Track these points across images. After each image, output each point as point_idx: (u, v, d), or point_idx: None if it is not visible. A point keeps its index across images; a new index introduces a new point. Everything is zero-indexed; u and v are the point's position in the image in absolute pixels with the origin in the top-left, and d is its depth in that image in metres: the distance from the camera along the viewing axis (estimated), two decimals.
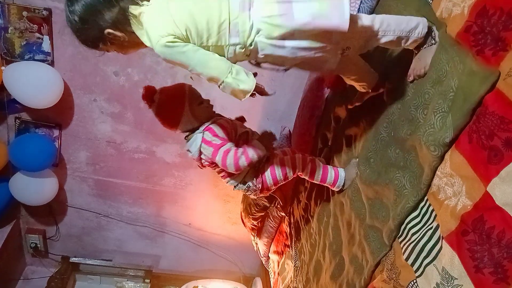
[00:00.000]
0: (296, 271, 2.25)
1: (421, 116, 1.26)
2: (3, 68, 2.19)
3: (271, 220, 2.67)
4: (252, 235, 2.90)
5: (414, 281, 1.17)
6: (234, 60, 1.24)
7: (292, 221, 2.42)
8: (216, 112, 1.65)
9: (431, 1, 1.37)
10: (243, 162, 1.48)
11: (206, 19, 1.15)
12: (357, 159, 1.66)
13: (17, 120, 2.51)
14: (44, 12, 2.14)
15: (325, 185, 1.74)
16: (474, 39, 1.11)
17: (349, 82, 1.52)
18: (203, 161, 1.57)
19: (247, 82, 1.20)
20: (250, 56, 1.25)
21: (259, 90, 1.32)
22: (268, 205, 2.55)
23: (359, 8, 1.70)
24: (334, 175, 1.70)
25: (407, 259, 1.22)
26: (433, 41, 1.28)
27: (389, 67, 1.50)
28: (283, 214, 2.53)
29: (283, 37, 1.16)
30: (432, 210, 1.18)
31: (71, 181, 2.85)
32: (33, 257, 3.17)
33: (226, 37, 1.17)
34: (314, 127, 2.22)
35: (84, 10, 1.14)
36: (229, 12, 1.16)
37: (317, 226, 2.00)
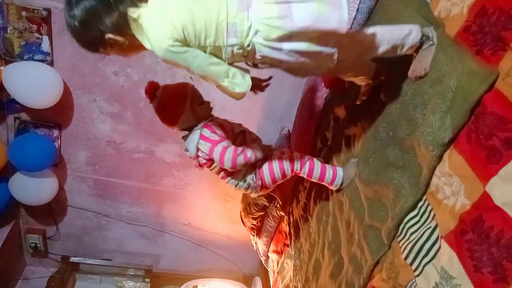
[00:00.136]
0: (296, 270, 2.25)
1: (420, 116, 1.26)
2: (2, 68, 2.18)
3: (270, 219, 2.67)
4: (252, 234, 2.90)
5: (413, 280, 1.17)
6: (232, 60, 1.24)
7: (291, 220, 2.42)
8: (214, 116, 1.67)
9: (429, 1, 1.38)
10: (240, 160, 1.50)
11: (204, 18, 1.14)
12: (356, 159, 1.66)
13: (16, 120, 2.50)
14: (43, 12, 2.14)
15: (323, 183, 1.75)
16: (473, 38, 1.11)
17: (347, 79, 1.53)
18: (200, 158, 1.58)
19: (242, 85, 1.23)
20: (248, 57, 1.25)
21: (257, 88, 1.32)
22: (267, 204, 2.56)
23: (358, 8, 1.69)
24: (332, 174, 1.71)
25: (406, 258, 1.23)
26: (431, 42, 1.28)
27: (389, 67, 1.50)
28: (283, 213, 2.54)
29: (281, 39, 1.16)
30: (431, 210, 1.18)
31: (70, 181, 2.85)
32: (33, 257, 3.17)
33: (224, 38, 1.17)
34: (314, 127, 2.22)
35: (84, 15, 1.14)
36: (227, 12, 1.15)
37: (316, 226, 2.00)
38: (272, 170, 1.65)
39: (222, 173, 1.65)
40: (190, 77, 2.12)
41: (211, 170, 1.65)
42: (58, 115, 2.53)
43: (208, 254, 3.30)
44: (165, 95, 1.54)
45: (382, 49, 1.30)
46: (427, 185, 1.20)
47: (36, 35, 2.21)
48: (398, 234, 1.31)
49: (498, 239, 0.92)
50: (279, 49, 1.18)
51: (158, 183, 2.92)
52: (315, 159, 1.73)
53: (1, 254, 2.76)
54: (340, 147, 1.83)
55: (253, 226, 2.79)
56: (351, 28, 1.72)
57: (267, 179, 1.66)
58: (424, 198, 1.22)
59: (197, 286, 2.98)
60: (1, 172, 2.49)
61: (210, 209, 3.09)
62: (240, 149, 1.51)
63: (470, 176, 1.03)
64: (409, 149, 1.30)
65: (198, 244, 3.26)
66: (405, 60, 1.37)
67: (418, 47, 1.31)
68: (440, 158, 1.16)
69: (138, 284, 3.25)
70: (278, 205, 2.52)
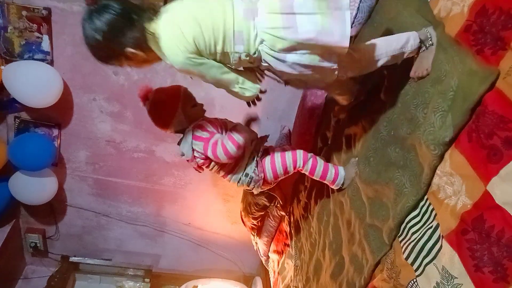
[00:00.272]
0: (296, 270, 2.25)
1: (421, 115, 1.26)
2: (2, 67, 2.18)
3: (271, 219, 2.67)
4: (252, 234, 2.90)
5: (414, 280, 1.17)
6: (239, 66, 1.29)
7: (292, 220, 2.42)
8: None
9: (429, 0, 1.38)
10: (231, 147, 1.49)
11: (212, 26, 1.18)
12: (357, 158, 1.66)
13: (16, 119, 2.50)
14: (44, 12, 2.14)
15: (324, 182, 1.75)
16: (474, 38, 1.11)
17: (331, 95, 1.61)
18: (197, 159, 1.58)
19: (251, 90, 1.33)
20: (254, 64, 1.29)
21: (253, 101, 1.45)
22: (268, 204, 2.55)
23: (358, 7, 1.69)
24: (334, 173, 1.70)
25: (407, 258, 1.23)
26: (431, 42, 1.29)
27: (389, 66, 1.50)
28: (283, 213, 2.54)
29: (285, 50, 1.19)
30: (432, 209, 1.18)
31: (70, 180, 2.85)
32: (33, 257, 3.17)
33: (231, 44, 1.21)
34: (314, 127, 2.22)
35: (106, 29, 1.15)
36: (234, 19, 1.19)
37: (317, 225, 2.00)
38: (274, 164, 1.66)
39: (222, 172, 1.65)
40: (191, 77, 2.12)
41: (211, 170, 1.65)
42: (58, 114, 2.53)
43: (208, 254, 3.29)
44: (158, 98, 1.54)
45: (381, 62, 1.34)
46: (428, 184, 1.20)
47: (36, 34, 2.21)
48: (399, 234, 1.31)
49: (498, 239, 0.92)
50: (283, 61, 1.22)
51: (158, 183, 2.92)
52: (318, 157, 1.73)
53: (2, 254, 2.76)
54: (341, 146, 1.83)
55: (253, 226, 2.78)
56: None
57: (269, 174, 1.66)
58: (425, 197, 1.22)
59: (197, 286, 2.97)
60: (1, 172, 2.49)
61: (210, 209, 3.09)
62: (225, 137, 1.52)
63: (471, 176, 1.03)
64: (410, 149, 1.30)
65: (198, 244, 3.26)
66: (406, 60, 1.37)
67: (418, 49, 1.32)
68: (441, 157, 1.16)
69: (138, 284, 3.25)
70: (278, 205, 2.52)
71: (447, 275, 1.04)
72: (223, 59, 1.25)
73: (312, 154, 1.73)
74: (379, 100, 1.53)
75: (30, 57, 2.26)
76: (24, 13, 2.13)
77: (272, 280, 2.77)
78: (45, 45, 2.24)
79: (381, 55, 1.33)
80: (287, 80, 1.36)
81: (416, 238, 1.21)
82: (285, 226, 2.56)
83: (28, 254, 3.15)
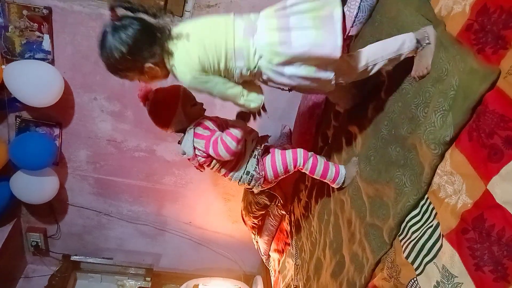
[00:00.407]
0: (297, 269, 2.26)
1: (421, 114, 1.26)
2: (3, 67, 2.18)
3: (271, 218, 2.67)
4: (253, 233, 2.90)
5: (415, 279, 1.17)
6: (242, 80, 1.37)
7: (292, 219, 2.42)
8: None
9: None
10: (231, 142, 1.50)
11: (214, 44, 1.26)
12: (357, 157, 1.66)
13: (17, 118, 2.51)
14: (44, 11, 2.14)
15: (325, 181, 1.75)
16: (475, 37, 1.11)
17: (332, 99, 1.74)
18: (198, 158, 1.58)
19: (256, 101, 1.44)
20: (256, 77, 1.38)
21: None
22: (268, 203, 2.56)
23: (359, 6, 1.69)
24: (335, 171, 1.71)
25: (407, 257, 1.23)
26: (428, 41, 1.29)
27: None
28: (284, 212, 2.54)
29: (283, 64, 1.28)
30: (433, 208, 1.18)
31: (71, 179, 2.85)
32: (34, 256, 3.17)
33: (233, 61, 1.30)
34: (315, 126, 2.22)
35: (132, 42, 1.21)
36: (234, 38, 1.27)
37: (317, 224, 2.00)
38: (274, 163, 1.66)
39: (223, 170, 1.65)
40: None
41: (212, 168, 1.65)
42: (59, 113, 2.53)
43: (209, 253, 3.30)
44: (157, 98, 1.55)
45: (379, 66, 1.38)
46: (429, 183, 1.20)
47: (37, 33, 2.21)
48: (400, 233, 1.31)
49: (499, 238, 0.92)
50: (282, 74, 1.30)
51: (159, 182, 2.92)
52: (318, 156, 1.73)
53: (3, 253, 2.76)
54: (341, 145, 1.83)
55: (254, 225, 2.79)
56: (352, 27, 1.73)
57: (270, 172, 1.66)
58: (425, 196, 1.22)
59: (198, 285, 2.98)
60: (2, 171, 2.49)
61: (211, 208, 3.09)
62: (224, 134, 1.52)
63: (472, 175, 1.03)
64: (410, 148, 1.30)
65: (199, 243, 3.26)
66: (406, 59, 1.37)
67: (416, 49, 1.33)
68: (441, 156, 1.16)
69: (139, 283, 3.26)
70: (279, 204, 2.52)
71: (447, 274, 1.04)
72: (227, 75, 1.33)
73: (312, 153, 1.73)
74: (380, 99, 1.53)
75: (31, 56, 2.26)
76: (24, 12, 2.13)
77: (272, 279, 2.77)
78: (46, 44, 2.24)
79: (378, 59, 1.37)
80: (291, 88, 1.43)
81: (416, 237, 1.21)
82: (285, 225, 2.56)
83: (29, 253, 3.16)
